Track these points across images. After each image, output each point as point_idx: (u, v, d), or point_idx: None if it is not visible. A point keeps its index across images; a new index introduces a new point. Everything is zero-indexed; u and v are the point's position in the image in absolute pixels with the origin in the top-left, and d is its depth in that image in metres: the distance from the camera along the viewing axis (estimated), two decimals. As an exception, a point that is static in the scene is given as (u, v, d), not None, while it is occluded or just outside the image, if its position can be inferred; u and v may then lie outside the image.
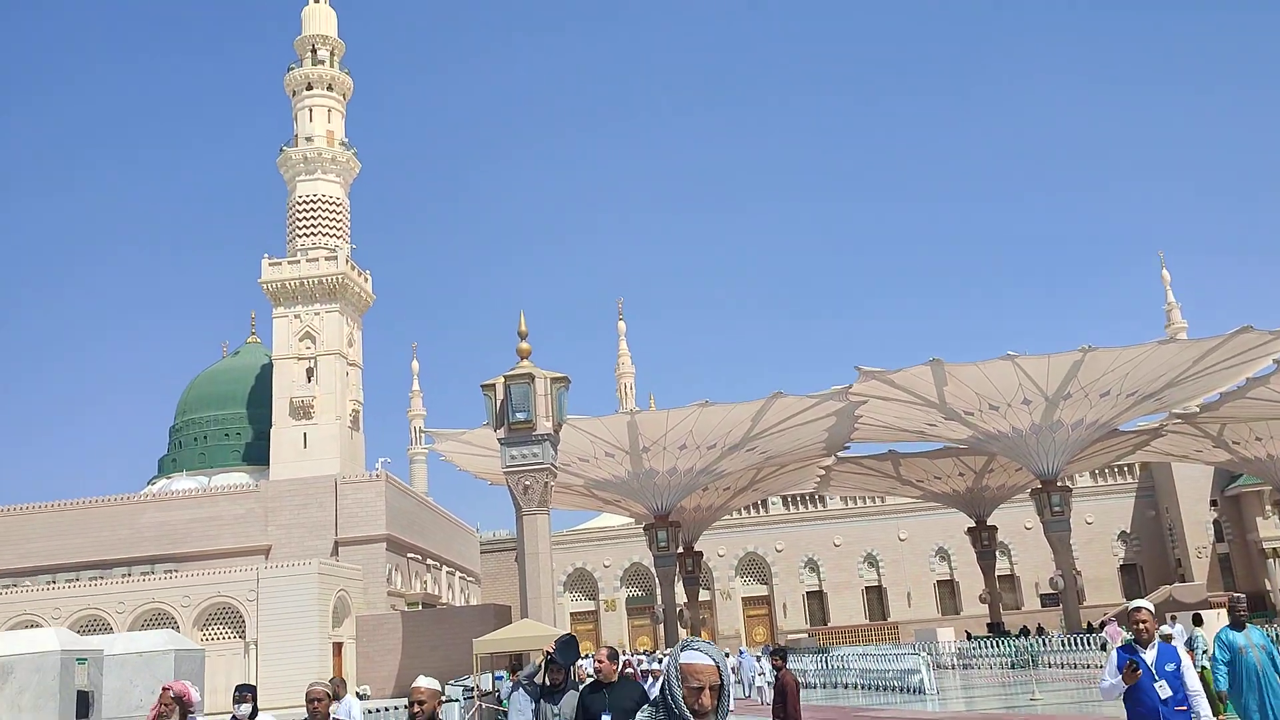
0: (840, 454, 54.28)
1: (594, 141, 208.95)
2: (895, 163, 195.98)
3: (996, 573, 61.93)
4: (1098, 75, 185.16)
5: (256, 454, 66.63)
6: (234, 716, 8.79)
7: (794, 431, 47.14)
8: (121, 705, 11.83)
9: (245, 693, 8.93)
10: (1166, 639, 8.14)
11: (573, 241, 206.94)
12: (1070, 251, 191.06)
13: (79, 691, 11.86)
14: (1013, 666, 36.79)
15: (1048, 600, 70.38)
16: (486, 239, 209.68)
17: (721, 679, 3.54)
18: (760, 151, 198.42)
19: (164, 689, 8.29)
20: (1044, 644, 37.64)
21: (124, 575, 56.15)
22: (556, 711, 8.23)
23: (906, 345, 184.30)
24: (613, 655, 8.19)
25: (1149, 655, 7.78)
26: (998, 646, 38.83)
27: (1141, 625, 7.85)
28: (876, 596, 76.03)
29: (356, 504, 60.42)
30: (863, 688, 32.78)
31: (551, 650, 8.50)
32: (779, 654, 13.04)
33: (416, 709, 5.76)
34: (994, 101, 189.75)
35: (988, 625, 56.61)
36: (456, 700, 23.06)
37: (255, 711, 8.93)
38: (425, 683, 5.87)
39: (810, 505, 76.64)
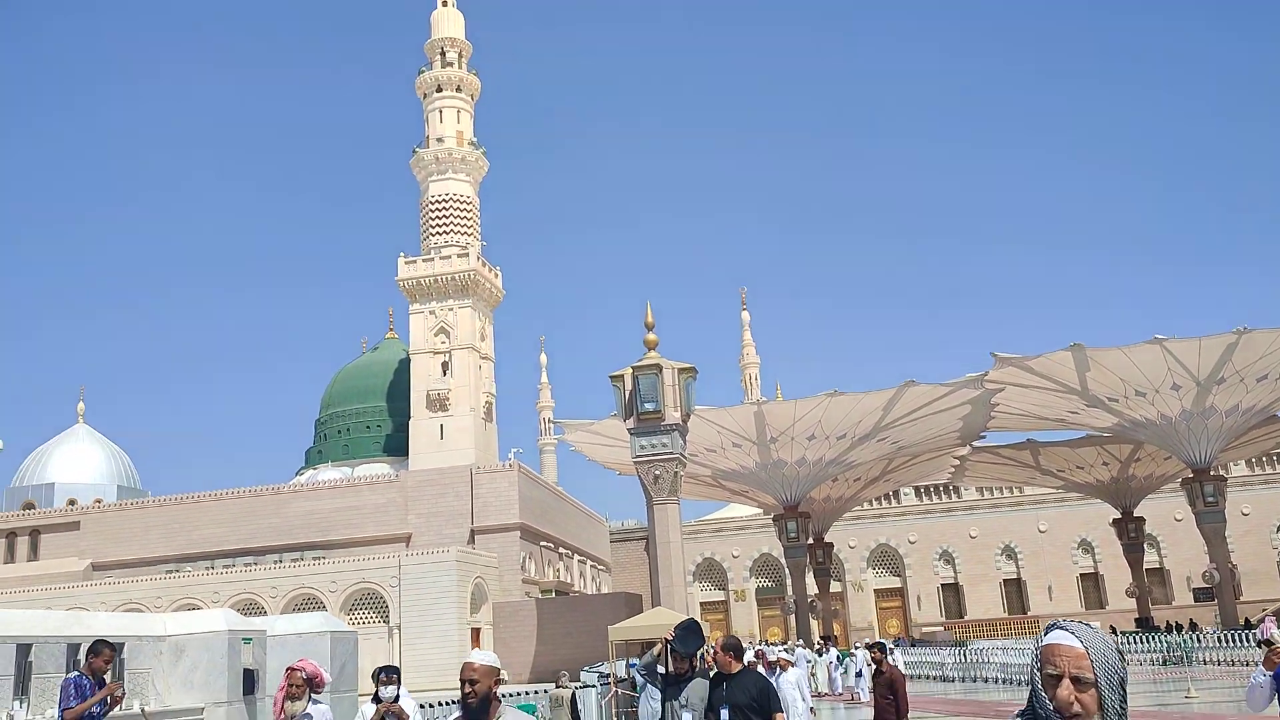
0: (976, 443, 52.94)
1: (717, 131, 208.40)
2: (1031, 138, 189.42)
3: (1145, 566, 59.37)
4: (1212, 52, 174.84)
5: (396, 445, 69.01)
6: (378, 697, 8.87)
7: (927, 421, 46.20)
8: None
9: (390, 674, 8.92)
10: None
11: (697, 231, 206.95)
12: (1217, 229, 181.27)
13: (245, 669, 12.55)
14: (1164, 663, 35.30)
15: (1201, 595, 67.11)
16: (611, 231, 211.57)
17: (1101, 669, 2.76)
18: (886, 135, 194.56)
19: (290, 670, 8.11)
20: (1199, 640, 35.98)
21: (275, 561, 59.01)
22: (682, 703, 7.44)
23: (1043, 332, 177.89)
24: (729, 646, 7.77)
25: None
26: (1149, 642, 37.30)
27: None
28: (1015, 589, 73.89)
29: (491, 493, 61.99)
30: (1003, 682, 31.97)
31: (671, 637, 7.67)
32: (877, 647, 12.76)
33: (469, 689, 4.82)
34: (1133, 70, 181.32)
35: (1135, 620, 54.38)
36: (594, 687, 23.52)
37: (399, 695, 8.91)
38: (480, 658, 4.94)
39: (944, 496, 74.98)
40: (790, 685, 15.86)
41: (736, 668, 8.04)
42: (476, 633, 54.55)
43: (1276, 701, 5.85)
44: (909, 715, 11.79)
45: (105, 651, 9.12)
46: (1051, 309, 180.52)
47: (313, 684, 8.04)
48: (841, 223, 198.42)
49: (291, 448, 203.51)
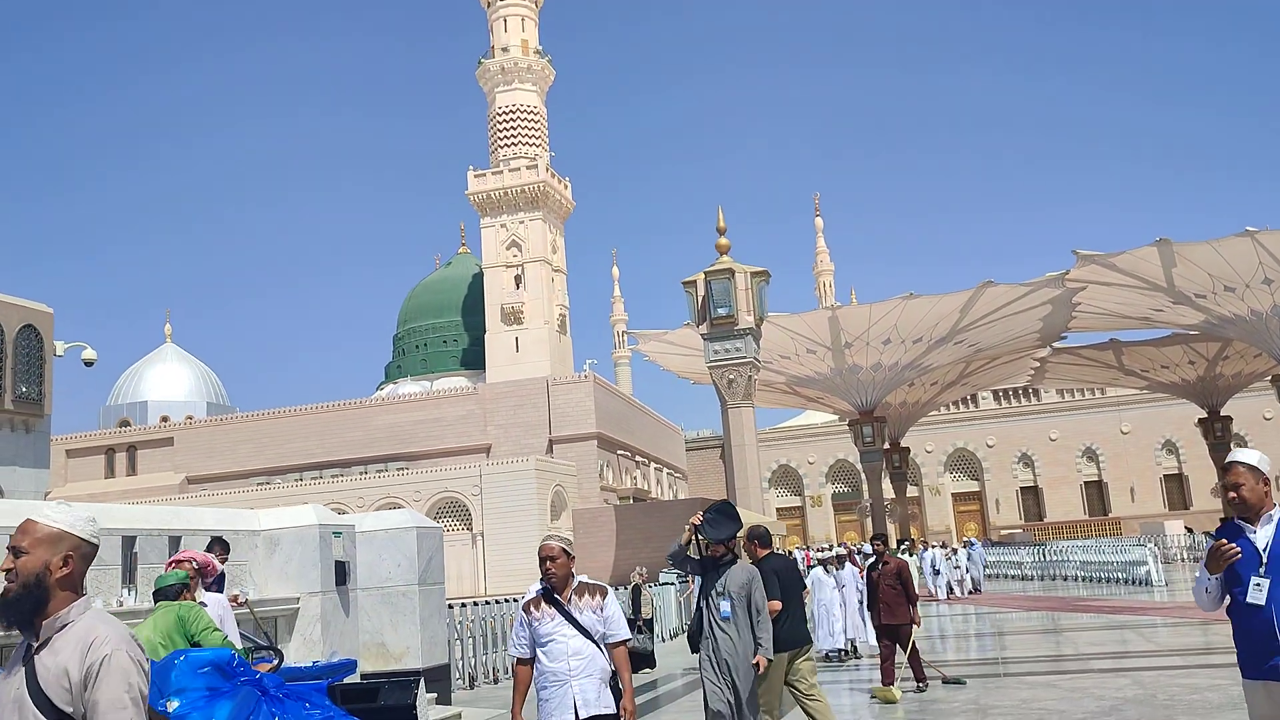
0: (1056, 345, 51.84)
1: (786, 35, 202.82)
2: (1102, 31, 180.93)
3: (1232, 466, 57.97)
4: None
5: (473, 359, 70.07)
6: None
7: (1005, 322, 45.30)
8: (373, 576, 13.00)
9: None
10: None
11: (769, 138, 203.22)
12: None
13: (336, 561, 13.01)
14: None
15: (1290, 495, 65.70)
16: (681, 138, 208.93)
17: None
18: (961, 26, 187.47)
19: (175, 562, 6.73)
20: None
21: (361, 473, 60.84)
22: (720, 590, 7.01)
23: (1126, 229, 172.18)
24: (755, 535, 8.01)
25: (1263, 534, 4.54)
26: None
27: (1235, 489, 4.65)
28: (1096, 492, 73.03)
29: (567, 404, 62.79)
30: (1083, 580, 31.86)
31: (699, 521, 7.06)
32: (878, 538, 12.61)
33: (550, 566, 5.20)
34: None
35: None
36: (672, 584, 24.05)
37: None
38: (556, 541, 5.28)
39: (1024, 399, 73.94)
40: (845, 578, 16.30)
41: (763, 554, 8.10)
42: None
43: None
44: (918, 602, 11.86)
45: (217, 548, 9.59)
46: (1135, 205, 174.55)
47: (204, 574, 6.99)
48: (914, 126, 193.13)
49: (371, 363, 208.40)
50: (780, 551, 8.57)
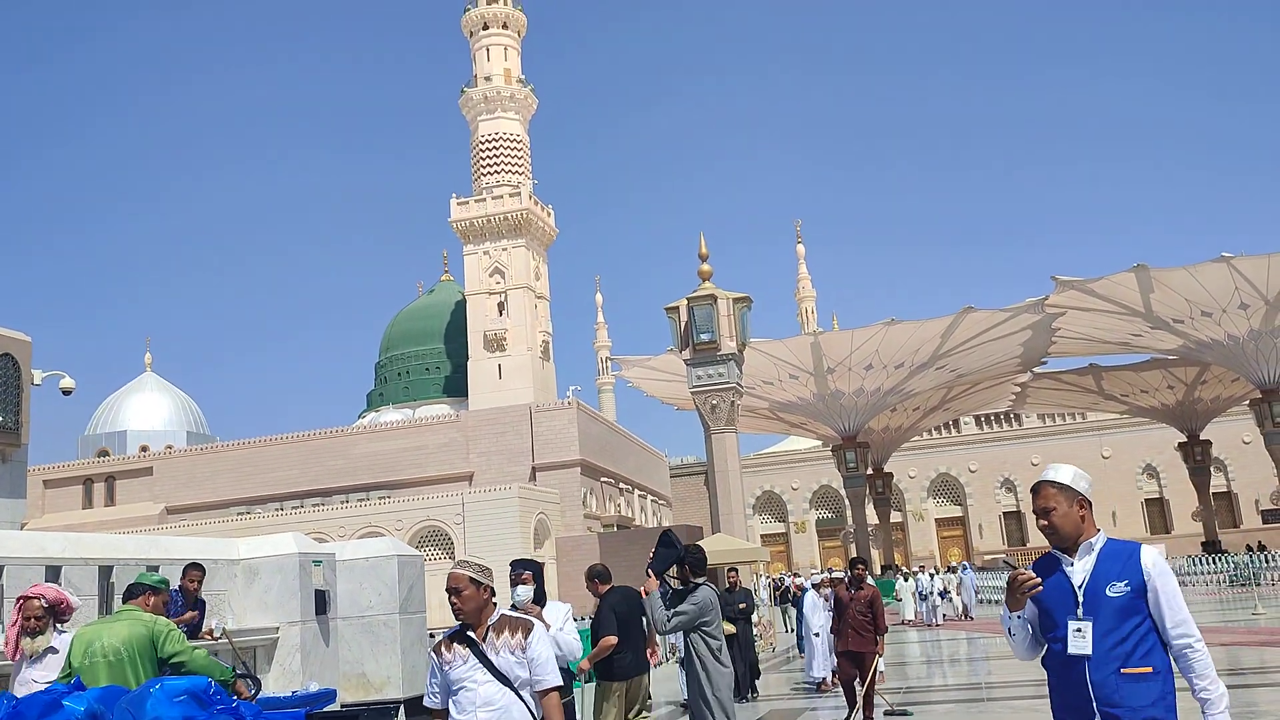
0: (1037, 369, 52.18)
1: (766, 63, 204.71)
2: (1082, 52, 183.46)
3: (1212, 490, 58.42)
4: None
5: (455, 386, 69.87)
6: (514, 606, 7.32)
7: (986, 347, 45.59)
8: (354, 605, 12.92)
9: (522, 570, 7.42)
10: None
11: (750, 166, 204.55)
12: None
13: (316, 590, 12.91)
14: (1231, 584, 34.95)
15: (1270, 517, 66.08)
16: (663, 166, 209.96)
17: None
18: (941, 50, 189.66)
19: (23, 599, 6.16)
20: (1266, 561, 35.51)
21: (343, 501, 60.42)
22: (668, 617, 7.41)
23: (1104, 254, 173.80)
24: (595, 574, 8.54)
25: (1080, 567, 3.77)
26: (1214, 564, 36.91)
27: (1045, 515, 3.88)
28: (1079, 516, 73.27)
29: (550, 431, 62.64)
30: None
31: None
32: (860, 563, 12.23)
33: (456, 600, 4.38)
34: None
35: (1202, 544, 53.68)
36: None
37: (541, 596, 7.40)
38: (463, 569, 4.40)
39: (1005, 424, 74.29)
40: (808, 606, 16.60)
41: (603, 589, 8.50)
42: (541, 567, 55.53)
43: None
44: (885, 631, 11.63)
45: (193, 573, 9.51)
46: (1112, 230, 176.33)
47: (56, 613, 6.21)
48: (893, 152, 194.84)
49: (353, 391, 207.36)
50: (623, 586, 8.74)
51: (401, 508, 56.58)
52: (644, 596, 7.58)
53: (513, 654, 4.32)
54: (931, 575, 31.53)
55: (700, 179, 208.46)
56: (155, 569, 10.94)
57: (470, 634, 4.38)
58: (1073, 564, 3.80)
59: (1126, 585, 3.67)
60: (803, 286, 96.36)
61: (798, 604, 22.37)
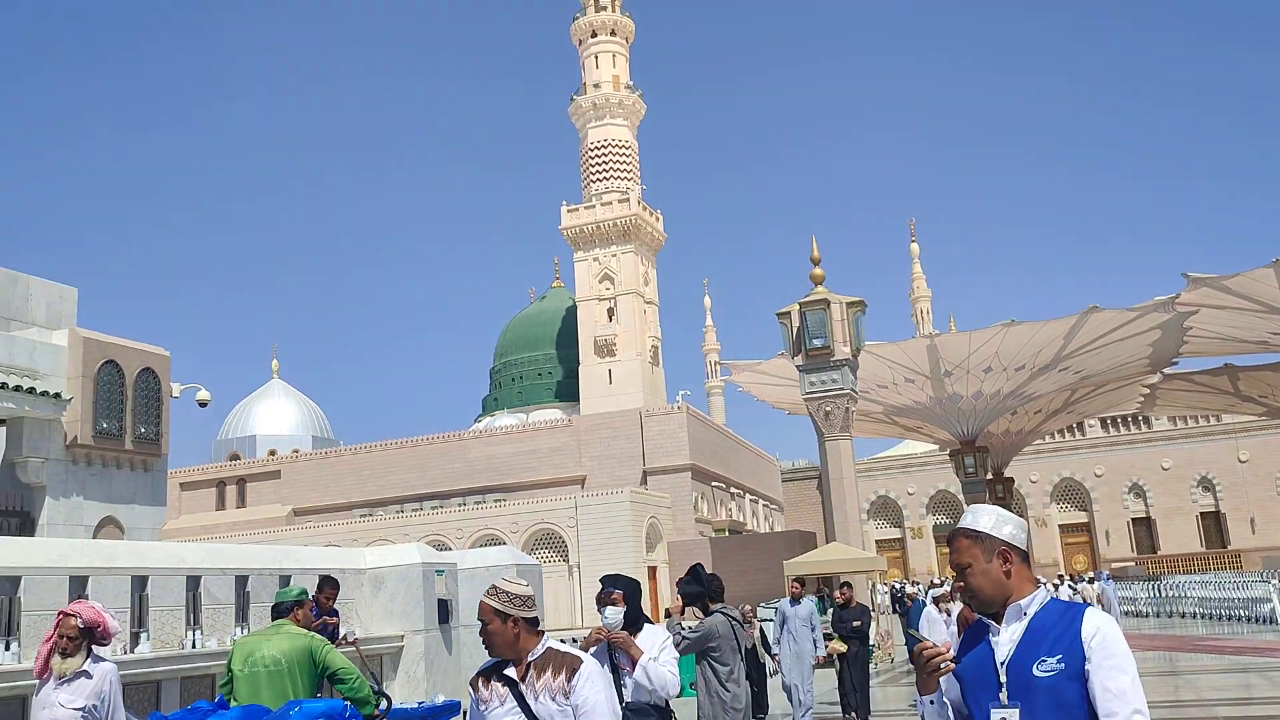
0: (1167, 370, 49.98)
1: (878, 60, 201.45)
2: (1211, 44, 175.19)
3: (1361, 496, 55.07)
4: None
5: (567, 391, 70.64)
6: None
7: (1113, 348, 43.87)
8: (475, 614, 13.12)
9: (612, 590, 5.81)
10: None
11: (861, 165, 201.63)
12: None
13: (439, 600, 13.15)
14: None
15: None
16: (771, 167, 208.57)
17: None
18: (1060, 52, 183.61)
19: (63, 614, 5.72)
20: None
21: (460, 504, 61.67)
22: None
23: (1236, 248, 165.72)
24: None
25: (1006, 637, 2.97)
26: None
27: (962, 573, 3.06)
28: (1214, 523, 69.95)
29: (660, 435, 62.77)
30: (1201, 617, 30.49)
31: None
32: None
33: (482, 635, 3.87)
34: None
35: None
36: (771, 620, 23.66)
37: (638, 617, 5.80)
38: (490, 598, 3.82)
39: (1133, 427, 71.40)
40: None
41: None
42: (653, 570, 55.73)
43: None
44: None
45: (329, 590, 9.81)
46: (1246, 225, 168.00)
47: (93, 634, 5.71)
48: (1011, 146, 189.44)
49: (469, 396, 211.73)
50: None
51: (516, 510, 57.46)
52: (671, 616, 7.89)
53: (553, 699, 3.67)
54: (1074, 586, 30.37)
55: (810, 178, 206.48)
56: (287, 579, 11.33)
57: (510, 671, 3.77)
58: (999, 632, 2.95)
59: (1060, 662, 2.79)
60: (917, 286, 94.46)
61: (908, 615, 21.82)
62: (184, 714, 5.39)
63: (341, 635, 10.20)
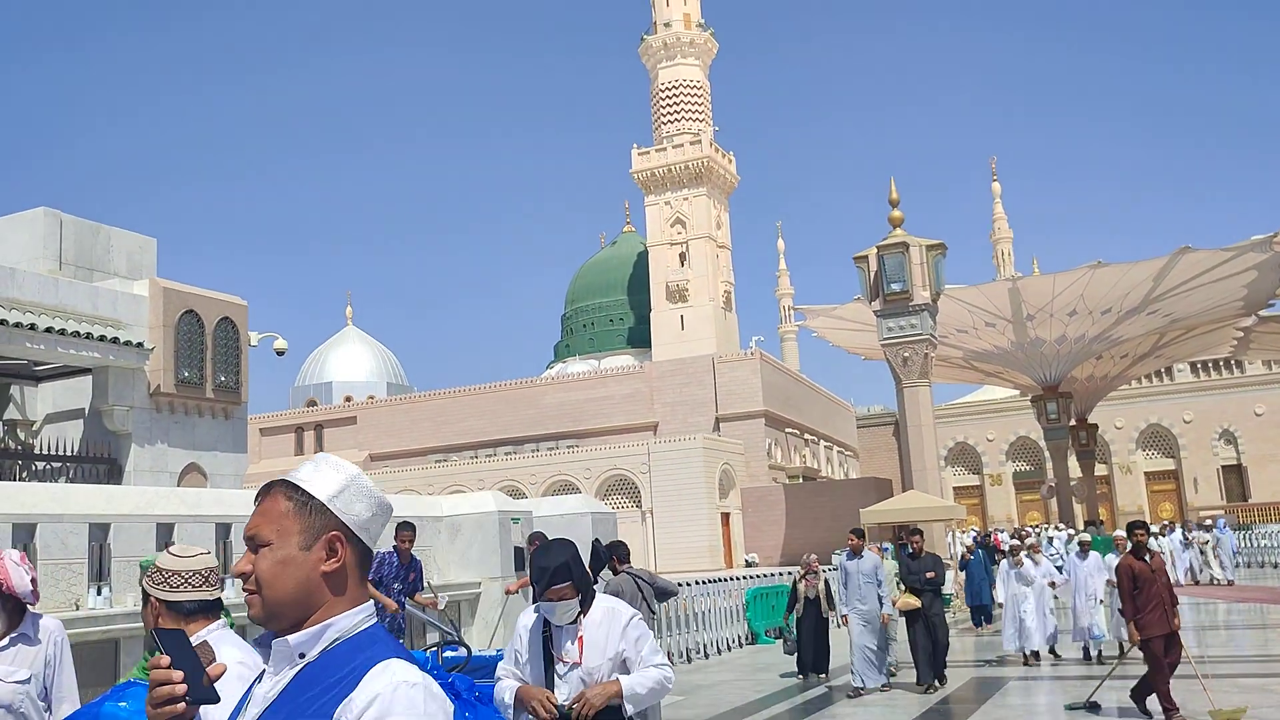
0: (1263, 313, 48.04)
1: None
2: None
3: None
4: None
5: (639, 337, 70.52)
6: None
7: (1205, 290, 42.25)
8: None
9: (562, 584, 4.13)
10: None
11: (940, 103, 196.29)
12: None
13: (515, 547, 13.08)
14: None
15: None
16: (847, 107, 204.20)
17: None
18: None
19: None
20: None
21: (533, 450, 62.23)
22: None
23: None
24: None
25: (260, 691, 1.82)
26: None
27: (255, 547, 1.90)
28: (1310, 470, 67.56)
29: (733, 381, 62.42)
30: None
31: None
32: (1138, 527, 10.41)
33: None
34: None
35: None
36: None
37: (589, 591, 4.28)
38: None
39: (1225, 371, 69.00)
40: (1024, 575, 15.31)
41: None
42: (726, 517, 55.76)
43: None
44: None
45: (404, 533, 9.84)
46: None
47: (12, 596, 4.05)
48: (1095, 85, 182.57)
49: (541, 342, 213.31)
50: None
51: (589, 457, 57.79)
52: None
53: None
54: (1187, 536, 29.05)
55: (887, 117, 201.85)
56: (366, 527, 11.35)
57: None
58: (262, 679, 1.86)
59: None
60: (999, 227, 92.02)
61: (965, 566, 21.02)
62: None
63: (429, 598, 10.13)
